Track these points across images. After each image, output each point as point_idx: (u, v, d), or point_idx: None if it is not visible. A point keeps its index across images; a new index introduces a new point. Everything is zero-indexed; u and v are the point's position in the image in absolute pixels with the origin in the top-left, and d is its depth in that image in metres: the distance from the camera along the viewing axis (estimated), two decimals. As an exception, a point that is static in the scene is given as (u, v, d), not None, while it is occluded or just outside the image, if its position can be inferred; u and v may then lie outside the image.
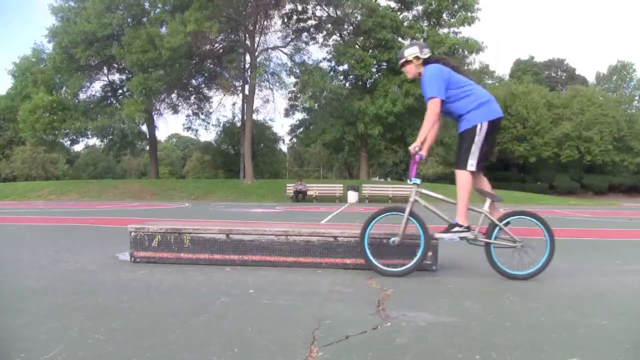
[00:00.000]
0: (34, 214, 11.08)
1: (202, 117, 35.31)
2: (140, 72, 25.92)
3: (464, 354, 1.88)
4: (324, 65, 31.31)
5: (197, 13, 24.07)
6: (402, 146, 36.93)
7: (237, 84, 30.65)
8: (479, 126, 3.52)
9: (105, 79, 32.26)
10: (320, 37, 31.49)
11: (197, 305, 2.60)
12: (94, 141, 35.55)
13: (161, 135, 77.35)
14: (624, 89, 49.01)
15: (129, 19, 27.80)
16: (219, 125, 38.87)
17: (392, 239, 3.57)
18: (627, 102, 47.16)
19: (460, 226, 3.56)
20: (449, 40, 28.51)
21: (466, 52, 30.10)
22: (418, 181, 3.62)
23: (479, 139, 3.52)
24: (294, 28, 31.03)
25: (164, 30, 26.30)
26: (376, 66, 31.28)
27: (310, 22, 31.22)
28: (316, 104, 30.88)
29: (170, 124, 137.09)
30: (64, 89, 29.99)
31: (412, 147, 3.49)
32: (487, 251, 3.53)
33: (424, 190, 3.68)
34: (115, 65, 30.88)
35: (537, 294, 3.03)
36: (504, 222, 3.55)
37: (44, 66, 29.86)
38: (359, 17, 28.99)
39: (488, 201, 3.63)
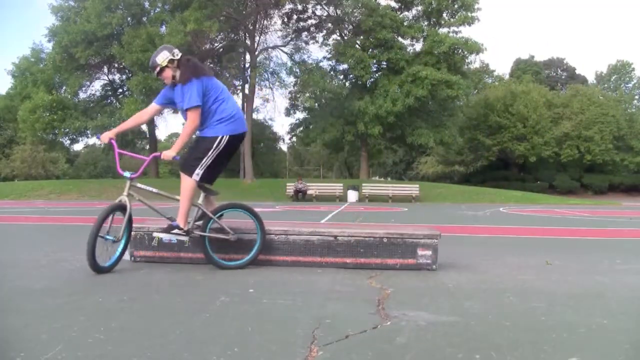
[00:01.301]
0: (34, 214, 11.08)
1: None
2: (140, 72, 25.92)
3: (464, 353, 1.88)
4: (324, 64, 31.34)
5: (197, 12, 24.06)
6: (402, 146, 36.97)
7: (236, 83, 30.65)
8: (219, 138, 3.51)
9: (105, 78, 32.27)
10: (320, 37, 31.51)
11: (197, 305, 2.60)
12: (93, 140, 35.59)
13: (161, 134, 77.27)
14: (624, 88, 48.99)
15: (129, 19, 27.81)
16: (219, 125, 38.79)
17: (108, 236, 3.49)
18: (627, 101, 47.14)
19: (181, 229, 3.57)
20: (448, 39, 28.51)
21: (466, 53, 30.10)
22: (128, 174, 3.58)
23: (214, 151, 3.51)
24: (294, 27, 31.03)
25: (163, 29, 26.30)
26: (376, 66, 31.28)
27: (310, 22, 31.23)
28: (316, 104, 30.88)
29: (170, 123, 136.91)
30: (63, 88, 30.00)
31: (170, 156, 3.46)
32: (202, 243, 3.62)
33: (138, 185, 3.64)
34: (115, 65, 30.87)
35: (537, 293, 3.02)
36: (218, 214, 3.65)
37: (44, 66, 29.86)
38: (359, 17, 28.99)
39: (203, 194, 3.70)
